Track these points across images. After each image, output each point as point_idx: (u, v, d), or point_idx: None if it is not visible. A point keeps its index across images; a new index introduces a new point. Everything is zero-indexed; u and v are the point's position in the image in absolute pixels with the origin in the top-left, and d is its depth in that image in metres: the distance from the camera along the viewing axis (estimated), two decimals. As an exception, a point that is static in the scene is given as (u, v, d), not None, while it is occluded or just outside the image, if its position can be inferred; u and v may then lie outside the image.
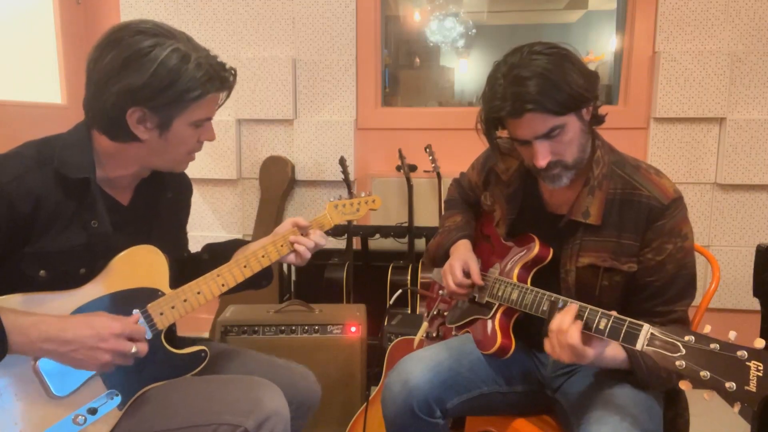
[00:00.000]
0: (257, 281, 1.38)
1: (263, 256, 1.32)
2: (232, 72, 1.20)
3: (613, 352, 1.18)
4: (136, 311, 1.18)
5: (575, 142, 1.22)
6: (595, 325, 1.11)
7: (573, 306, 1.15)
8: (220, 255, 1.37)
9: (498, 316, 1.35)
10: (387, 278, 2.63)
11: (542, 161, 1.20)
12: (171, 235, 1.36)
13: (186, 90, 1.11)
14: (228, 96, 1.23)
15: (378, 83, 3.05)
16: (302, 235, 1.36)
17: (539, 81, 1.14)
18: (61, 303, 1.13)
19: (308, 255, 1.35)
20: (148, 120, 1.13)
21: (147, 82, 1.08)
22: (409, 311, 2.58)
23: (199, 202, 3.11)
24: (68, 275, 1.14)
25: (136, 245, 1.21)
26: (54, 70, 2.90)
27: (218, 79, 1.15)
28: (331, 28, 2.96)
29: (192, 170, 1.44)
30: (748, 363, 0.91)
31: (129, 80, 1.08)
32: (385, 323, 2.22)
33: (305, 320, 2.09)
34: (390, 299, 2.55)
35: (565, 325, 1.11)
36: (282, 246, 1.34)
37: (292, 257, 1.36)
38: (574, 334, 1.10)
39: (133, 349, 1.10)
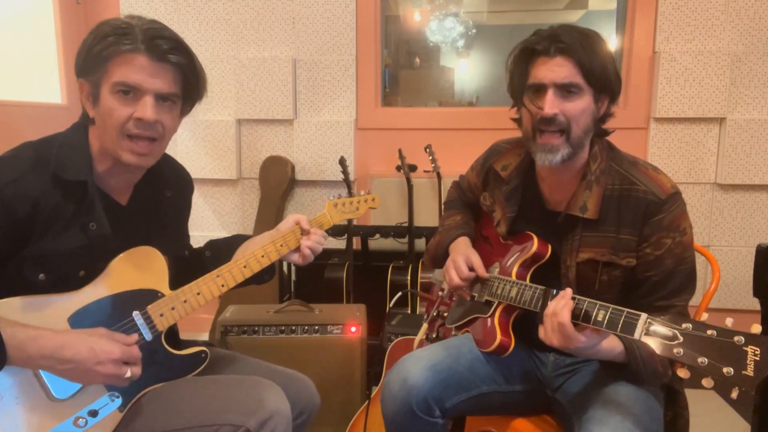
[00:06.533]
0: (259, 276, 1.37)
1: (263, 256, 1.32)
2: (173, 41, 1.14)
3: (610, 344, 1.19)
4: (134, 325, 1.17)
5: (582, 119, 1.24)
6: (593, 316, 1.12)
7: (568, 290, 1.16)
8: (223, 251, 1.37)
9: (497, 314, 1.35)
10: (387, 278, 2.63)
11: (550, 109, 1.22)
12: (171, 234, 1.35)
13: (101, 48, 1.11)
14: (180, 71, 1.15)
15: (378, 83, 3.05)
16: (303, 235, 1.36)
17: (581, 39, 1.23)
18: (61, 306, 1.12)
19: (311, 258, 1.36)
20: (87, 90, 1.15)
21: (78, 51, 1.15)
22: (409, 311, 2.58)
23: (199, 202, 3.11)
24: (67, 277, 1.14)
25: (135, 246, 1.21)
26: (54, 70, 2.90)
27: (132, 38, 1.10)
28: (331, 28, 2.96)
29: (192, 170, 1.44)
30: (745, 348, 0.92)
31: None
32: (386, 323, 2.22)
33: (305, 320, 2.09)
34: (390, 299, 2.55)
35: (559, 308, 1.13)
36: (282, 246, 1.33)
37: (295, 257, 1.36)
38: (564, 314, 1.12)
39: (128, 374, 1.09)
